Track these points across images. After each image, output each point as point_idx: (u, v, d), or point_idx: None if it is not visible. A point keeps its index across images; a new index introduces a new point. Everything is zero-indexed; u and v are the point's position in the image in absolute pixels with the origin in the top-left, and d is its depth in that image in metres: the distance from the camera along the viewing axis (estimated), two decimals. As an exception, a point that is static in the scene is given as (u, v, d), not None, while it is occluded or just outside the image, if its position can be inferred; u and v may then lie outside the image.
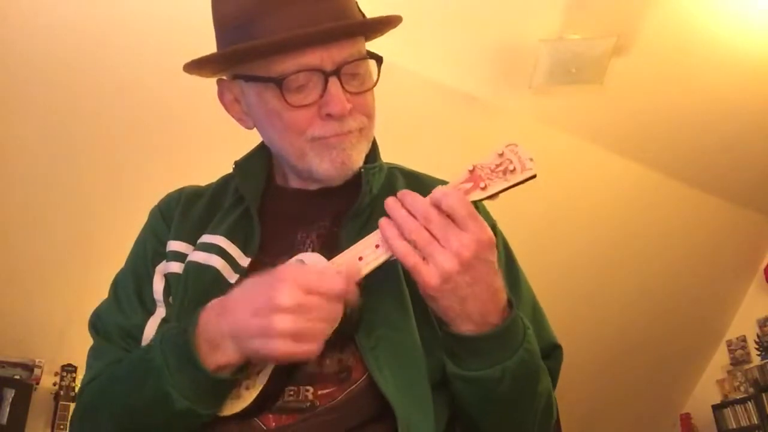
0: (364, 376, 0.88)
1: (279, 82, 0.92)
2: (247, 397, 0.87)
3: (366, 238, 0.88)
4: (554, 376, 1.01)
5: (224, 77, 1.02)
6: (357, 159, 0.97)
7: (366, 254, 0.86)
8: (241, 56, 0.94)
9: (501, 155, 0.87)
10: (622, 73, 3.54)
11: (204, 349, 0.83)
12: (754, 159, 4.39)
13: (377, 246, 0.86)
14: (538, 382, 0.89)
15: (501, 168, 0.86)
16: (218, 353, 0.82)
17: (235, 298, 0.83)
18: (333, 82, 0.92)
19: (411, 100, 3.59)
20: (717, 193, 4.69)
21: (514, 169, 0.86)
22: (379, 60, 0.98)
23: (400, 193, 0.85)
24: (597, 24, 3.31)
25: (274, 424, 0.87)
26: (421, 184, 1.05)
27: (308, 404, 0.88)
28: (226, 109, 1.04)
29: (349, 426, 0.87)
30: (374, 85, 0.98)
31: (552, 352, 1.03)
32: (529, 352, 0.86)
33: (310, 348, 0.79)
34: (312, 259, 0.89)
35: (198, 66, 0.98)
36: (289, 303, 0.77)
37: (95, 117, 3.13)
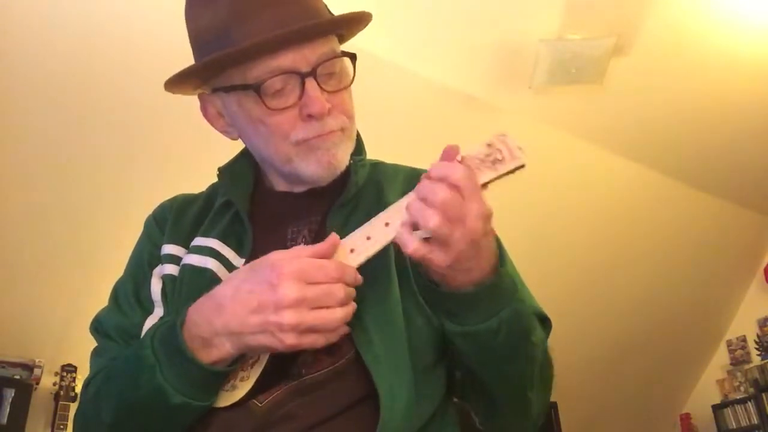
0: (352, 351, 0.90)
1: (257, 88, 0.93)
2: (243, 388, 0.88)
3: (358, 230, 0.87)
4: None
5: (205, 92, 1.03)
6: (342, 158, 0.98)
7: (357, 245, 0.86)
8: (216, 66, 0.95)
9: (490, 145, 0.86)
10: (622, 73, 3.55)
11: (196, 345, 0.84)
12: (754, 159, 4.39)
13: (368, 238, 0.85)
14: (532, 331, 0.91)
15: (490, 158, 0.85)
16: (212, 350, 0.84)
17: (227, 295, 0.84)
18: (310, 82, 0.93)
19: (411, 100, 3.59)
20: (717, 193, 4.69)
21: (503, 158, 0.84)
22: (353, 57, 0.99)
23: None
24: (597, 24, 3.32)
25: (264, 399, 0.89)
26: (406, 175, 1.08)
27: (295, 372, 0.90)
28: (210, 123, 1.05)
29: (342, 404, 0.88)
30: (351, 83, 0.99)
31: (541, 322, 1.04)
32: (520, 302, 0.88)
33: (319, 338, 0.81)
34: None
35: (177, 82, 0.99)
36: (293, 297, 0.79)
37: (96, 120, 3.13)
